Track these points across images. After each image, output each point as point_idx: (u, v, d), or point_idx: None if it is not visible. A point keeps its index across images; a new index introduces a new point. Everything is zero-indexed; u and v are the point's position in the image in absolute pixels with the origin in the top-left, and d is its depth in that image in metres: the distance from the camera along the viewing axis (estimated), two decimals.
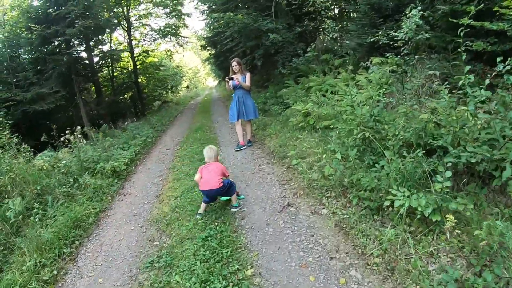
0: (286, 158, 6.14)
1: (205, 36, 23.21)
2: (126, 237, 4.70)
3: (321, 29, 9.13)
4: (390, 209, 3.44)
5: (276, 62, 11.66)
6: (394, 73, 6.06)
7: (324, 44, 10.21)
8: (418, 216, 3.12)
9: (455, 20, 4.25)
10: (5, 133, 8.06)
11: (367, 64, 6.74)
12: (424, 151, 3.58)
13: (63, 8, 12.90)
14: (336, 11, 12.52)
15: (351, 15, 10.71)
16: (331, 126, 6.31)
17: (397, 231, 3.27)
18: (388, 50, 6.95)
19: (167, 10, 24.27)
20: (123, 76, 24.72)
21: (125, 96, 24.96)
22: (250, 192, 5.26)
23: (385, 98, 4.33)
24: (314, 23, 12.10)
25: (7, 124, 9.47)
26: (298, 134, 7.05)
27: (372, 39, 5.96)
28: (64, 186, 6.27)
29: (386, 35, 5.51)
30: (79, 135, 8.47)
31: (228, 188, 4.62)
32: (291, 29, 11.65)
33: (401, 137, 3.91)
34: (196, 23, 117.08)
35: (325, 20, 8.96)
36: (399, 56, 5.40)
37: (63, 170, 6.95)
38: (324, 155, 5.02)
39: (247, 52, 14.50)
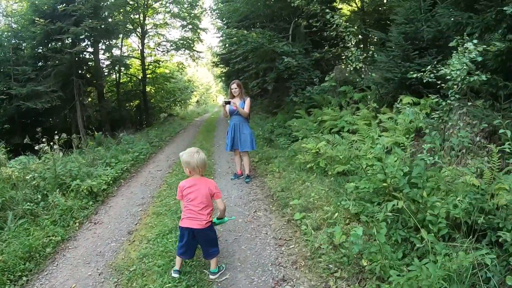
0: (288, 207, 5.02)
1: (218, 52, 22.57)
2: (80, 284, 3.76)
3: (343, 57, 8.10)
4: None
5: (289, 89, 10.67)
6: (429, 118, 4.99)
7: (346, 74, 9.21)
8: None
9: None
10: None
11: (396, 103, 5.72)
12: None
13: (70, 5, 12.18)
14: (359, 37, 11.60)
15: (377, 45, 9.72)
16: (344, 171, 5.27)
17: None
18: (421, 90, 5.93)
19: (184, 22, 23.63)
20: (131, 83, 24.05)
21: (131, 104, 24.29)
22: (238, 250, 4.12)
23: (428, 156, 3.21)
24: (336, 50, 11.14)
25: None
26: (305, 176, 5.96)
27: (413, 74, 4.88)
28: (29, 203, 5.39)
29: (434, 71, 4.44)
30: (59, 143, 7.55)
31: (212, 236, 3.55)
32: (308, 54, 10.71)
33: (443, 212, 2.82)
34: (212, 39, 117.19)
35: (349, 47, 7.89)
36: (438, 99, 4.33)
37: (33, 183, 6.06)
38: (336, 214, 3.95)
39: (260, 74, 13.58)
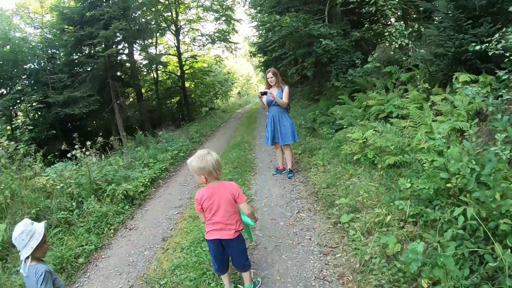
0: (333, 207, 4.52)
1: (255, 42, 22.13)
2: None
3: (386, 34, 7.39)
4: None
5: (329, 73, 10.04)
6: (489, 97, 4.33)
7: (390, 53, 8.45)
8: None
9: None
10: (9, 143, 7.11)
11: (452, 82, 5.04)
12: None
13: (97, 9, 12.15)
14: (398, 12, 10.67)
15: (419, 20, 8.84)
16: (396, 163, 4.70)
17: None
18: (478, 65, 5.21)
19: (217, 15, 23.36)
20: (170, 81, 24.16)
21: (172, 101, 24.45)
22: (278, 260, 3.70)
23: (502, 148, 2.62)
24: (377, 27, 10.31)
25: (27, 130, 8.69)
26: (351, 170, 5.43)
27: (475, 47, 4.18)
28: (64, 212, 5.30)
29: (502, 41, 3.76)
30: (96, 147, 7.50)
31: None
32: (347, 35, 9.99)
33: None
34: (247, 29, 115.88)
35: (391, 22, 7.16)
36: (508, 74, 3.68)
37: (68, 190, 5.95)
38: (389, 217, 3.44)
39: (298, 61, 12.99)
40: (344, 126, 7.21)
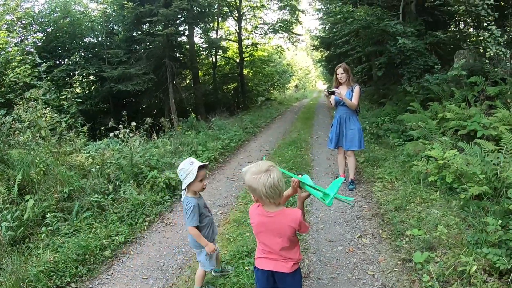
0: (403, 237, 3.92)
1: (318, 35, 21.39)
2: None
3: (472, 39, 6.56)
4: None
5: (399, 76, 9.25)
6: None
7: (470, 61, 7.55)
8: None
9: None
10: (53, 114, 7.02)
11: None
12: None
13: None
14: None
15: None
16: (481, 194, 4.01)
17: None
18: None
19: (281, 4, 22.75)
20: (228, 66, 24.03)
21: (228, 87, 24.37)
22: None
23: None
24: (465, 29, 9.30)
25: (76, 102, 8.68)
26: (424, 192, 4.79)
27: None
28: (98, 195, 5.05)
29: None
30: (144, 128, 7.37)
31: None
32: (421, 36, 9.13)
33: None
34: (311, 22, 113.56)
35: (486, 25, 6.29)
36: None
37: (107, 171, 5.72)
38: (474, 268, 2.86)
39: (363, 59, 12.22)
40: (416, 138, 6.52)
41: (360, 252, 3.85)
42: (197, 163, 2.81)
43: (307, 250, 3.93)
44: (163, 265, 3.88)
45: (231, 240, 4.26)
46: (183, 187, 2.88)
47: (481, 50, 6.88)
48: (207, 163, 2.93)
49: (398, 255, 3.66)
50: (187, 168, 2.81)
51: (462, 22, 10.35)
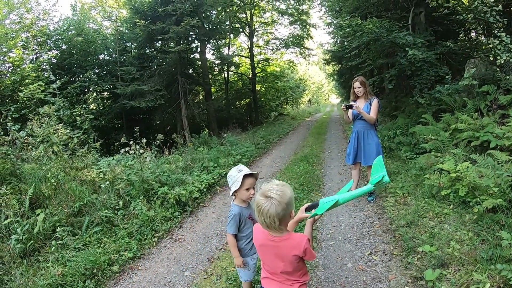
0: (414, 254, 3.77)
1: (329, 49, 21.43)
2: None
3: (483, 47, 6.42)
4: None
5: (411, 88, 9.11)
6: None
7: (481, 70, 7.38)
8: None
9: None
10: (66, 130, 7.12)
11: None
12: None
13: (170, 5, 12.22)
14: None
15: None
16: (495, 207, 3.85)
17: None
18: None
19: (292, 19, 22.92)
20: (240, 82, 24.18)
21: (241, 103, 24.47)
22: None
23: None
24: (475, 37, 9.15)
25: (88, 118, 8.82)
26: (437, 206, 4.64)
27: None
28: (107, 210, 5.09)
29: None
30: (155, 144, 7.47)
31: None
32: (431, 47, 8.98)
33: None
34: (322, 36, 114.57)
35: (497, 33, 6.15)
36: None
37: (118, 187, 5.77)
38: (488, 286, 2.74)
39: (374, 72, 12.12)
40: (428, 150, 6.37)
41: (370, 270, 3.74)
42: (244, 171, 2.75)
43: (315, 268, 3.83)
44: (170, 281, 3.85)
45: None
46: (230, 194, 2.87)
47: (491, 58, 6.70)
48: (255, 172, 2.82)
49: (409, 272, 3.53)
50: (234, 175, 2.77)
51: (472, 31, 10.20)
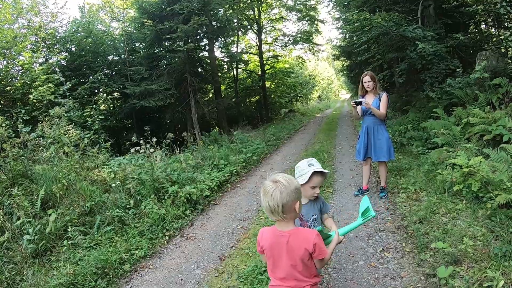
0: (427, 251, 3.73)
1: (338, 44, 21.31)
2: None
3: (494, 40, 6.32)
4: None
5: (421, 82, 9.01)
6: None
7: (493, 63, 7.28)
8: None
9: None
10: (76, 131, 7.19)
11: None
12: None
13: (177, 4, 12.26)
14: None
15: None
16: (509, 202, 3.79)
17: None
18: None
19: (300, 15, 22.82)
20: (250, 79, 24.16)
21: (251, 100, 24.48)
22: None
23: None
24: (486, 29, 9.03)
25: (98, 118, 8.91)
26: (450, 202, 4.59)
27: None
28: (119, 210, 5.11)
29: None
30: (165, 143, 7.54)
31: None
32: (441, 40, 8.87)
33: None
34: (331, 32, 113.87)
35: (507, 24, 6.06)
36: None
37: (129, 186, 5.79)
38: (502, 283, 2.69)
39: (384, 67, 12.01)
40: (440, 145, 6.30)
41: (382, 267, 3.70)
42: (315, 167, 2.51)
43: (326, 265, 3.80)
44: (181, 280, 3.87)
45: (250, 255, 4.21)
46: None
47: (503, 50, 6.60)
48: (326, 171, 2.58)
49: (422, 269, 3.49)
50: (303, 169, 2.55)
51: (482, 23, 10.06)
